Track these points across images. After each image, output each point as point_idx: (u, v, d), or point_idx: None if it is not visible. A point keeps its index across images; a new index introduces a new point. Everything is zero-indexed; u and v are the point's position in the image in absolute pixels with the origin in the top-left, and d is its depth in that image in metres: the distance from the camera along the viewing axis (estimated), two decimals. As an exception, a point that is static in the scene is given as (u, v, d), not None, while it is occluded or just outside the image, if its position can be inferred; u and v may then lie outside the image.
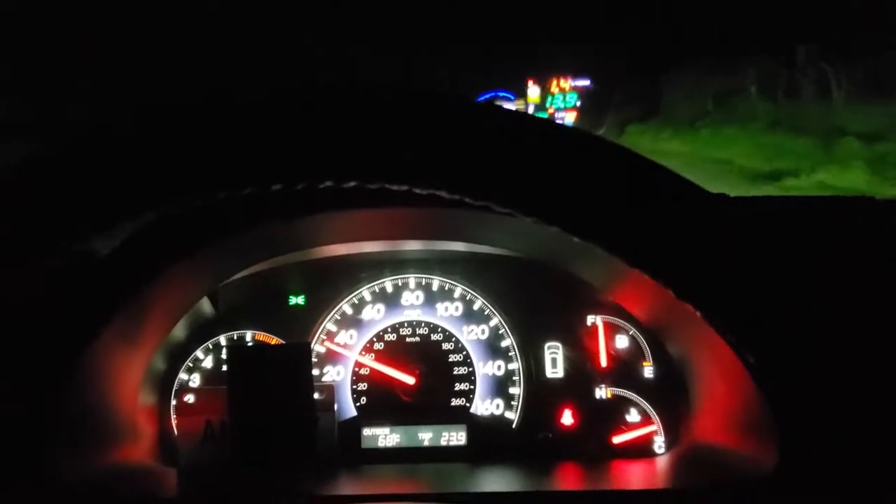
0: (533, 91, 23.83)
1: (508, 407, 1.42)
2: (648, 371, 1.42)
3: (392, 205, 1.19)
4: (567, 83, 23.47)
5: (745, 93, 20.08)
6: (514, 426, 1.41)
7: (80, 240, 0.61)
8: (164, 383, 1.41)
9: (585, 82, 23.76)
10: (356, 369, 1.45)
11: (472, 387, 1.43)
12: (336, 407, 1.32)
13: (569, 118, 23.33)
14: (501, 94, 24.20)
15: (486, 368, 1.45)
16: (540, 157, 0.62)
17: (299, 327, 1.47)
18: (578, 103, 23.69)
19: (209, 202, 0.61)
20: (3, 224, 0.61)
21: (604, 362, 1.43)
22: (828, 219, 1.27)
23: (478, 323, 1.48)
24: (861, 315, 1.01)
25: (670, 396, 1.37)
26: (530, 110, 23.55)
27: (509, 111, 0.63)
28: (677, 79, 22.19)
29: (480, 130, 0.62)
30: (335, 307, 1.48)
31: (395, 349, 1.46)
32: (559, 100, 23.44)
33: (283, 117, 0.60)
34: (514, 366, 1.44)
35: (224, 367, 1.43)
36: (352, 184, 0.60)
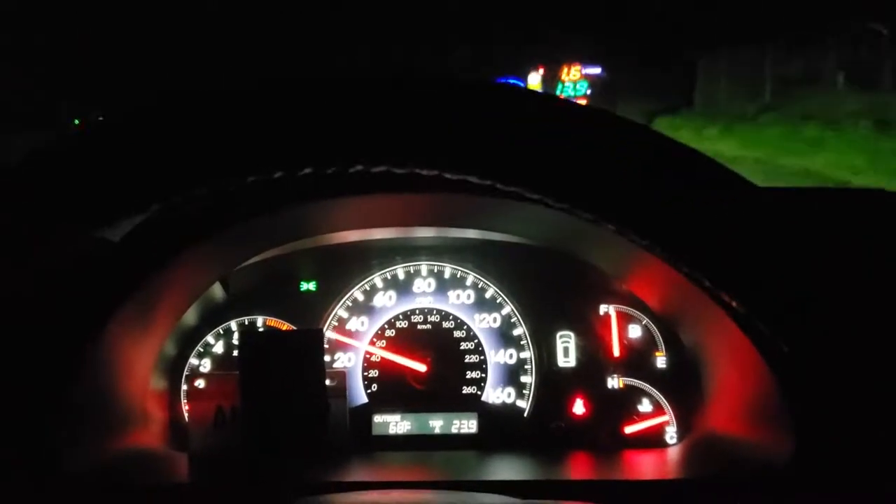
0: (533, 79, 23.77)
1: (520, 395, 1.42)
2: (661, 361, 1.41)
3: (404, 191, 1.19)
4: (577, 71, 23.33)
5: (812, 82, 15.95)
6: (525, 415, 1.41)
7: (109, 225, 0.61)
8: (174, 368, 1.42)
9: (596, 70, 23.63)
10: (367, 356, 1.44)
11: (483, 375, 1.43)
12: (347, 394, 1.32)
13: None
14: (511, 81, 24.16)
15: (498, 357, 1.44)
16: (573, 141, 0.60)
17: (311, 313, 1.47)
18: (589, 91, 23.57)
19: (240, 185, 0.61)
20: (36, 207, 0.60)
21: (616, 352, 1.42)
22: (855, 211, 1.26)
23: (490, 311, 1.47)
24: (883, 310, 1.00)
25: (683, 386, 1.36)
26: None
27: (539, 94, 0.61)
28: (715, 65, 19.32)
29: (510, 114, 0.61)
30: (347, 293, 1.48)
31: (407, 336, 1.46)
32: (570, 88, 23.32)
33: (314, 104, 0.60)
34: (525, 354, 1.44)
35: (235, 353, 1.43)
36: (382, 168, 0.60)
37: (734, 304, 0.63)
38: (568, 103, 0.61)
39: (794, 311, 0.65)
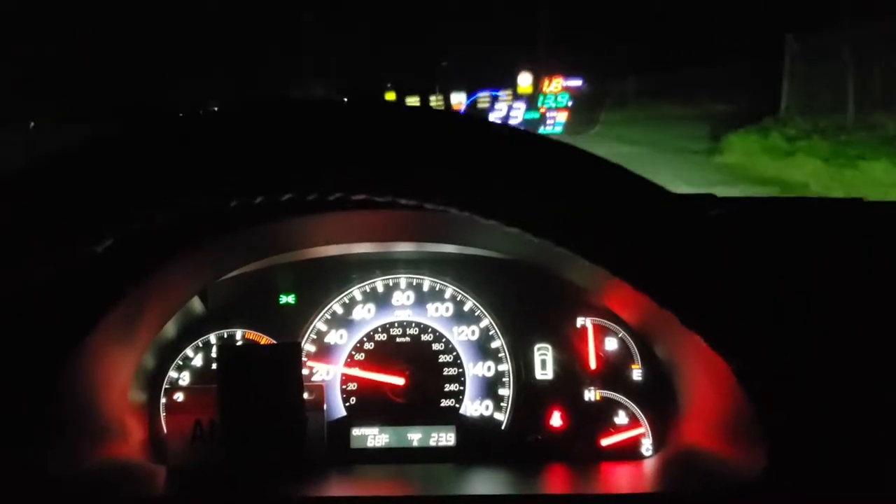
0: (524, 80, 23.94)
1: (498, 408, 1.43)
2: (637, 374, 1.43)
3: (383, 207, 1.20)
4: (559, 83, 23.51)
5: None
6: (503, 427, 1.42)
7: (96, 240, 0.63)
8: (153, 381, 1.42)
9: (578, 82, 23.85)
10: (346, 369, 1.45)
11: (461, 388, 1.44)
12: (325, 407, 1.32)
13: (560, 118, 23.41)
14: (492, 93, 24.25)
15: (476, 369, 1.45)
16: (520, 168, 0.63)
17: (289, 326, 1.47)
18: (570, 103, 23.75)
19: (222, 207, 0.62)
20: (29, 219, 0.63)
21: (593, 364, 1.44)
22: (816, 221, 1.29)
23: (468, 324, 1.48)
24: (848, 319, 1.02)
25: (658, 399, 1.38)
26: (521, 104, 23.65)
27: (491, 125, 0.64)
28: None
29: (465, 143, 0.64)
30: (326, 307, 1.49)
31: (386, 349, 1.47)
32: (551, 100, 23.48)
33: (289, 131, 0.62)
34: (503, 367, 1.45)
35: (214, 366, 1.43)
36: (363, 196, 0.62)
37: (689, 325, 0.66)
38: (514, 131, 0.65)
39: (741, 328, 0.67)
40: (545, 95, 23.54)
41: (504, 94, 23.85)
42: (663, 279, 0.67)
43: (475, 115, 0.68)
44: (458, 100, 23.38)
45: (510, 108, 23.53)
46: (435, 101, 24.09)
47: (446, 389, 1.44)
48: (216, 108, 0.65)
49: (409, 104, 0.71)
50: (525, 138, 0.64)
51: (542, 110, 23.47)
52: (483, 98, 23.88)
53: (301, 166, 0.62)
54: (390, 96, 25.29)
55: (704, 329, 0.68)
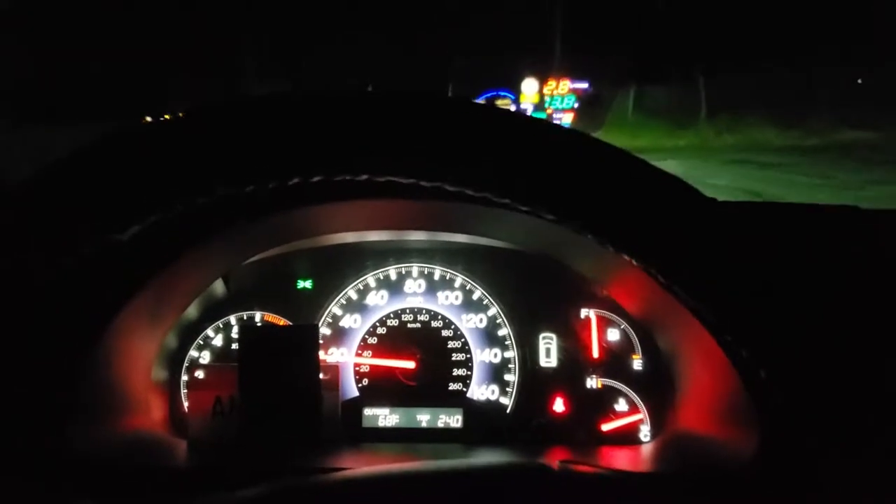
0: (530, 87, 23.87)
1: (503, 393, 1.49)
2: (637, 363, 1.48)
3: (398, 196, 1.25)
4: (565, 85, 23.53)
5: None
6: (508, 411, 1.47)
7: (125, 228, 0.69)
8: (175, 360, 1.47)
9: (584, 85, 23.84)
10: (359, 352, 1.51)
11: (469, 372, 1.50)
12: (340, 387, 1.38)
13: (566, 119, 23.42)
14: (502, 93, 24.25)
15: (483, 356, 1.51)
16: (547, 156, 0.68)
17: (306, 310, 1.53)
18: (576, 105, 23.77)
19: (256, 191, 0.68)
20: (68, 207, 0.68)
21: (595, 353, 1.49)
22: (814, 225, 1.34)
23: (476, 312, 1.54)
24: (842, 315, 1.08)
25: (657, 387, 1.43)
26: (529, 109, 23.65)
27: (517, 114, 0.70)
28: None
29: (489, 131, 0.69)
30: (341, 292, 1.55)
31: (397, 334, 1.52)
32: (557, 101, 23.51)
33: (318, 119, 0.68)
34: (510, 354, 1.51)
35: (233, 346, 1.49)
36: (386, 178, 0.67)
37: (686, 307, 0.71)
38: (541, 121, 0.69)
39: (759, 321, 0.72)
40: (552, 97, 23.56)
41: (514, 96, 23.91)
42: (677, 266, 0.72)
43: (509, 110, 0.72)
44: None
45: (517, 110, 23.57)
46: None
47: (454, 374, 1.50)
48: (254, 97, 0.70)
49: None
50: (560, 131, 0.69)
51: (549, 111, 23.49)
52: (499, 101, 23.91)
53: (350, 150, 0.68)
54: None
55: (710, 317, 0.73)
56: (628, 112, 26.00)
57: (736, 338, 0.72)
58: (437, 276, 1.57)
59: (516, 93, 24.23)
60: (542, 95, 23.96)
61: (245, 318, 1.53)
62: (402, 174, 0.68)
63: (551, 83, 23.63)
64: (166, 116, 0.70)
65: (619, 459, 1.33)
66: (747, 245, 0.72)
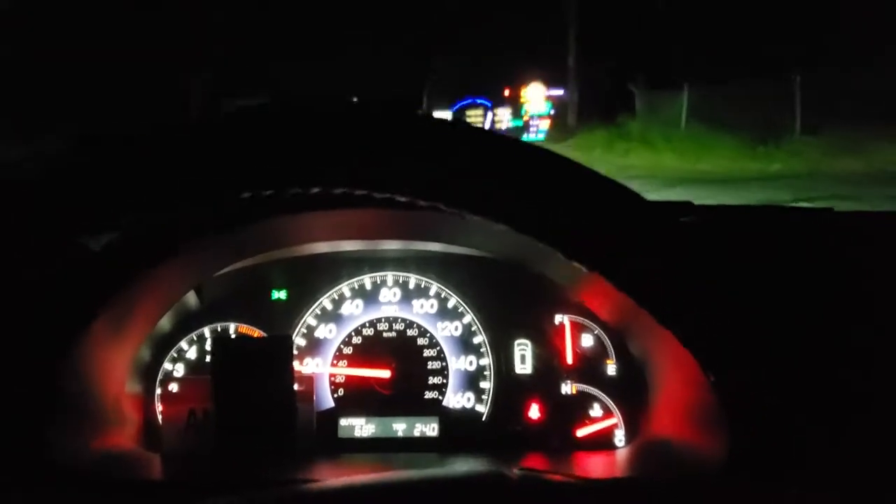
0: (535, 92, 23.93)
1: (479, 400, 1.49)
2: (611, 369, 1.49)
3: (372, 206, 1.26)
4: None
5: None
6: (484, 419, 1.48)
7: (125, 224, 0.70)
8: (149, 372, 1.46)
9: (559, 92, 24.03)
10: (334, 362, 1.51)
11: (444, 381, 1.50)
12: (315, 398, 1.38)
13: (543, 125, 23.60)
14: (478, 101, 24.37)
15: (459, 363, 1.52)
16: (507, 171, 0.71)
17: (281, 321, 1.53)
18: (552, 112, 23.94)
19: (232, 202, 0.69)
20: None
21: (570, 359, 1.50)
22: (785, 228, 1.36)
23: (451, 320, 1.55)
24: (808, 318, 1.10)
25: (631, 392, 1.45)
26: (507, 116, 23.77)
27: (474, 129, 0.72)
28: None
29: (450, 145, 0.71)
30: (316, 302, 1.54)
31: (373, 343, 1.53)
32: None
33: (278, 133, 0.70)
34: (485, 361, 1.51)
35: (208, 358, 1.48)
36: (341, 190, 0.69)
37: (659, 319, 0.72)
38: (498, 136, 0.72)
39: (707, 325, 0.74)
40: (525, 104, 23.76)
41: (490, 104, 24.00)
42: (636, 278, 0.73)
43: (473, 125, 0.75)
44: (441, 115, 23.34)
45: (494, 116, 23.68)
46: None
47: (430, 382, 1.50)
48: (233, 112, 0.71)
49: None
50: (518, 146, 0.71)
51: (526, 118, 23.64)
52: (473, 109, 23.98)
53: (307, 164, 0.69)
54: None
55: (674, 325, 0.75)
56: (681, 121, 18.86)
57: (693, 346, 0.73)
58: (411, 285, 1.57)
59: (493, 100, 24.33)
60: (518, 102, 24.10)
61: (219, 329, 1.52)
62: (359, 189, 0.70)
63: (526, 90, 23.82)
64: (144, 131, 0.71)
65: (594, 465, 1.34)
66: (698, 253, 0.74)
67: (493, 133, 0.71)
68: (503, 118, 23.90)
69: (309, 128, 0.69)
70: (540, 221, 0.72)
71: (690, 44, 19.89)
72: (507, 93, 24.18)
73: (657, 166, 16.21)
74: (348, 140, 0.69)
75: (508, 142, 0.71)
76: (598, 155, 18.31)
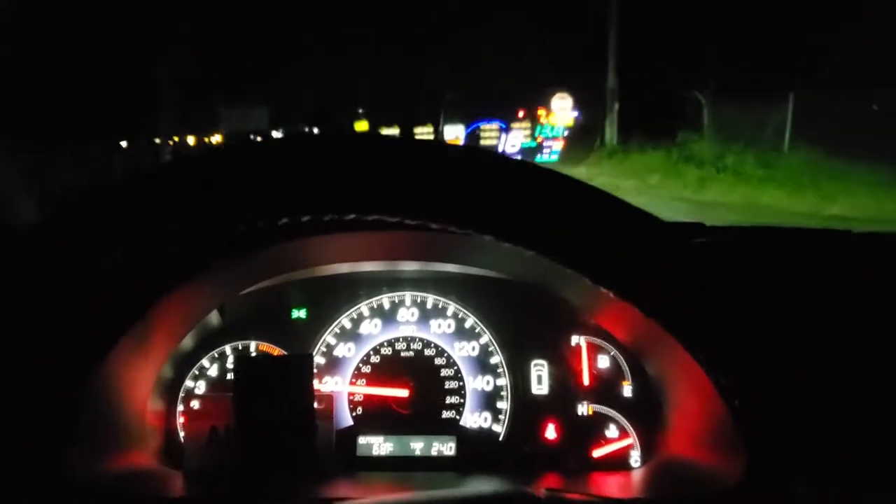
0: (562, 104, 23.77)
1: (496, 420, 1.51)
2: (628, 390, 1.50)
3: (391, 228, 1.28)
4: (555, 114, 23.74)
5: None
6: (500, 439, 1.49)
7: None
8: (171, 390, 1.49)
9: (574, 113, 24.05)
10: (353, 381, 1.53)
11: (462, 400, 1.52)
12: (334, 416, 1.40)
13: (556, 147, 23.62)
14: (493, 122, 24.43)
15: (476, 383, 1.53)
16: (533, 197, 0.73)
17: (301, 339, 1.55)
18: (566, 133, 23.95)
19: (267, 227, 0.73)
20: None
21: (586, 380, 1.51)
22: (800, 249, 1.37)
23: (469, 340, 1.56)
24: (825, 339, 1.11)
25: (647, 413, 1.45)
26: (521, 137, 23.82)
27: (490, 154, 0.75)
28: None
29: (478, 173, 0.73)
30: (335, 321, 1.57)
31: (391, 363, 1.54)
32: (548, 130, 23.71)
33: (310, 161, 0.73)
34: (502, 381, 1.53)
35: (229, 376, 1.51)
36: (376, 217, 0.72)
37: (671, 337, 0.74)
38: (514, 161, 0.75)
39: (726, 346, 0.75)
40: (542, 126, 23.74)
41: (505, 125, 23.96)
42: (654, 300, 0.75)
43: (483, 148, 0.78)
44: (455, 133, 23.37)
45: (508, 137, 23.70)
46: (420, 131, 24.19)
47: (447, 402, 1.51)
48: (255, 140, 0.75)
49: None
50: (540, 173, 0.74)
51: (540, 140, 23.68)
52: (487, 129, 23.93)
53: (341, 191, 0.72)
54: (361, 126, 24.99)
55: (693, 347, 0.76)
56: (784, 142, 14.06)
57: (712, 367, 0.75)
58: (429, 305, 1.59)
59: (507, 122, 24.38)
60: (533, 124, 24.11)
61: (240, 347, 1.55)
62: (392, 217, 0.72)
63: (541, 112, 23.81)
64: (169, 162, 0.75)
65: (610, 485, 1.34)
66: (728, 272, 0.75)
67: (516, 160, 0.74)
68: (517, 139, 23.94)
69: (341, 155, 0.72)
70: (568, 248, 0.73)
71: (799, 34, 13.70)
72: (521, 114, 24.20)
73: (753, 205, 11.84)
74: (382, 168, 0.72)
75: (531, 168, 0.73)
76: (657, 183, 14.31)
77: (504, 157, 0.74)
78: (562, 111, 23.19)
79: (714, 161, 14.25)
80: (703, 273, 0.75)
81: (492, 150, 0.77)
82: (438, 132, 23.16)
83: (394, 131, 23.96)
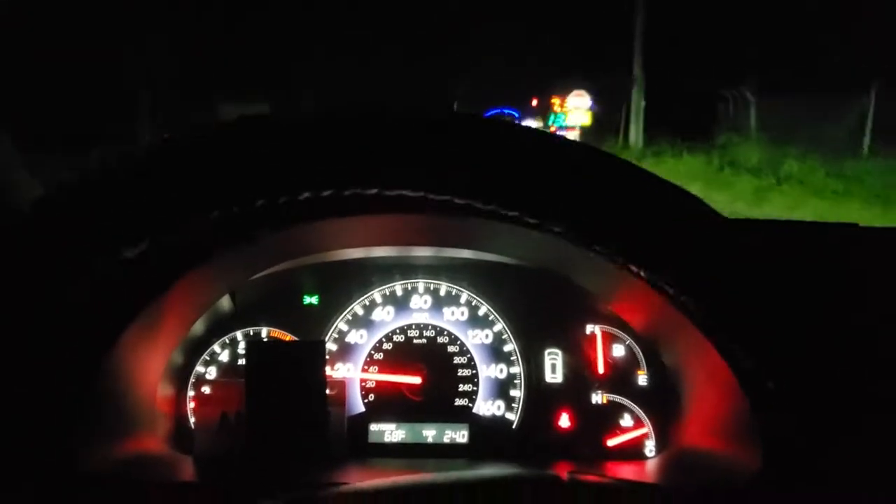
0: (579, 103, 23.60)
1: (509, 408, 1.49)
2: (643, 379, 1.49)
3: (404, 212, 1.27)
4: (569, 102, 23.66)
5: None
6: (513, 427, 1.48)
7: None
8: (182, 376, 1.48)
9: (588, 103, 23.95)
10: (365, 367, 1.52)
11: (474, 388, 1.50)
12: (346, 402, 1.39)
13: (570, 136, 23.49)
14: (507, 111, 24.38)
15: (489, 371, 1.52)
16: (557, 170, 0.70)
17: (313, 326, 1.54)
18: (579, 131, 23.89)
19: (270, 205, 0.70)
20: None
21: (601, 369, 1.50)
22: (817, 243, 1.35)
23: (482, 328, 1.55)
24: (844, 332, 1.09)
25: (662, 403, 1.44)
26: (534, 125, 23.65)
27: (527, 128, 0.71)
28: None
29: (498, 145, 0.70)
30: (347, 308, 1.56)
31: (403, 350, 1.53)
32: (561, 119, 23.63)
33: (332, 136, 0.70)
34: (515, 370, 1.51)
35: (240, 361, 1.50)
36: (399, 192, 0.70)
37: (696, 322, 0.72)
38: (541, 133, 0.71)
39: (766, 334, 0.73)
40: (556, 115, 23.64)
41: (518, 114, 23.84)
42: (690, 284, 0.73)
43: (515, 123, 0.75)
44: None
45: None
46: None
47: (460, 389, 1.50)
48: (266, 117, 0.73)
49: None
50: (569, 144, 0.71)
51: (553, 129, 23.61)
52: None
53: (363, 166, 0.70)
54: None
55: (718, 332, 0.74)
56: (863, 146, 11.97)
57: (742, 350, 0.73)
58: (442, 292, 1.58)
59: (520, 111, 24.29)
60: (546, 112, 24.00)
61: (251, 333, 1.54)
62: (411, 187, 0.70)
63: (555, 100, 23.71)
64: (171, 136, 0.72)
65: (624, 474, 1.33)
66: (755, 261, 0.74)
67: (538, 130, 0.71)
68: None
69: (363, 130, 0.70)
70: (598, 228, 0.71)
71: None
72: (534, 103, 24.12)
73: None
74: (406, 142, 0.69)
75: (556, 140, 0.71)
76: (700, 193, 11.38)
77: (540, 132, 0.72)
78: (577, 110, 22.73)
79: (772, 168, 11.80)
80: (737, 260, 0.73)
81: (515, 123, 0.74)
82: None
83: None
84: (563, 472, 1.33)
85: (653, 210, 0.71)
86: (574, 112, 22.82)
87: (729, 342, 0.74)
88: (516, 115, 24.25)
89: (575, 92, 22.52)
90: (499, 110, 24.18)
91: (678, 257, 0.72)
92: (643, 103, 17.34)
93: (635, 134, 18.07)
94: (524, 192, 0.70)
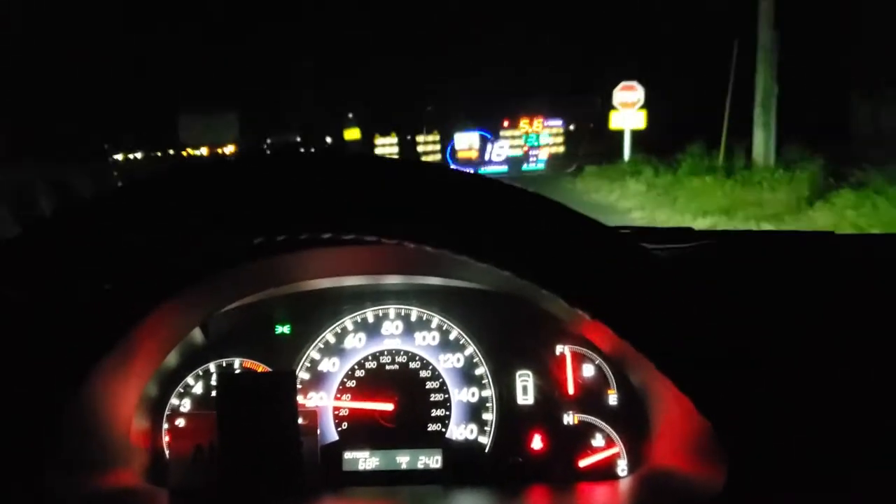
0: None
1: (482, 432, 1.51)
2: (613, 398, 1.50)
3: (373, 243, 1.28)
4: (540, 123, 23.88)
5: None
6: (486, 450, 1.49)
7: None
8: (155, 408, 1.48)
9: (558, 123, 24.21)
10: (338, 395, 1.52)
11: (447, 413, 1.52)
12: (319, 431, 1.40)
13: (542, 155, 23.75)
14: (478, 132, 24.52)
15: (462, 395, 1.53)
16: (494, 214, 0.74)
17: (285, 355, 1.55)
18: (551, 142, 24.12)
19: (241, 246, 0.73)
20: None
21: (571, 390, 1.52)
22: (784, 252, 1.38)
23: (453, 351, 1.56)
24: (800, 345, 1.12)
25: (632, 422, 1.46)
26: (506, 147, 23.87)
27: (463, 174, 0.76)
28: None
29: (455, 195, 0.74)
30: (319, 336, 1.56)
31: (375, 376, 1.54)
32: (533, 139, 23.85)
33: (287, 178, 0.73)
34: (487, 393, 1.53)
35: (213, 393, 1.50)
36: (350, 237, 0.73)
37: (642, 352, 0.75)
38: (486, 180, 0.76)
39: (695, 360, 0.76)
40: (528, 135, 23.85)
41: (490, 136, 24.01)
42: (636, 327, 0.76)
43: (450, 168, 0.79)
44: (469, 142, 23.43)
45: (494, 147, 23.80)
46: (424, 140, 24.27)
47: (433, 414, 1.51)
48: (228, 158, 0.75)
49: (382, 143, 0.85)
50: (515, 193, 0.75)
51: (525, 149, 23.79)
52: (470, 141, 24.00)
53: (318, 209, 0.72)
54: (353, 134, 24.88)
55: (663, 366, 0.77)
56: None
57: (673, 376, 0.76)
58: (413, 318, 1.59)
59: (493, 133, 24.45)
60: (520, 133, 24.19)
61: (224, 364, 1.54)
62: (369, 236, 0.73)
63: (524, 122, 23.91)
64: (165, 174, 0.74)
65: (598, 495, 1.35)
66: (679, 290, 0.77)
67: (492, 180, 0.74)
68: (502, 149, 24.03)
69: (314, 173, 0.72)
70: (543, 270, 0.74)
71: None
72: (506, 123, 24.30)
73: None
74: (359, 187, 0.72)
75: (506, 188, 0.74)
76: None
77: (480, 176, 0.75)
78: (625, 108, 17.77)
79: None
80: (682, 296, 0.76)
81: (477, 174, 0.78)
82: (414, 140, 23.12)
83: (390, 140, 24.00)
84: (534, 495, 1.35)
85: (594, 252, 0.75)
86: (621, 110, 18.22)
87: (661, 368, 0.77)
88: (488, 135, 24.39)
89: (623, 84, 17.91)
90: (469, 131, 24.30)
91: (596, 289, 0.75)
92: (776, 88, 10.75)
93: (763, 148, 11.96)
94: (468, 234, 0.74)
